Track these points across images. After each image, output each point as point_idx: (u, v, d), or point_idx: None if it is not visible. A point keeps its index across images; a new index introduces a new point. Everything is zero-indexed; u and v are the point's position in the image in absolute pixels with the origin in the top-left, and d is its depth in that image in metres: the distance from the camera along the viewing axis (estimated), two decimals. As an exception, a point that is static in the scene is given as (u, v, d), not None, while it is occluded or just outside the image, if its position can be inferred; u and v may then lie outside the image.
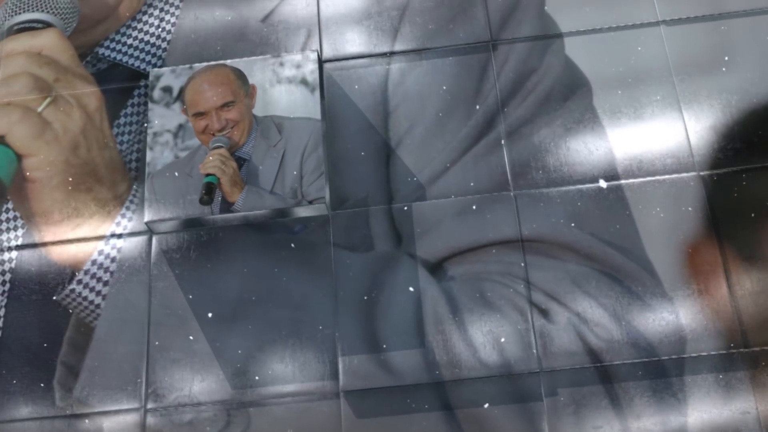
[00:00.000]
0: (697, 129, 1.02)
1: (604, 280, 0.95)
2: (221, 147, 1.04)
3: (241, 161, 1.03)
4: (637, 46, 1.07)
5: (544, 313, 0.94)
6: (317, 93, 1.05)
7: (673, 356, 0.91)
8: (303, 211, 1.00)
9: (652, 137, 1.02)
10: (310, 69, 1.07)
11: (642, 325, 0.93)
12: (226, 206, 1.00)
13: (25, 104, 1.10)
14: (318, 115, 1.04)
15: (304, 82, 1.07)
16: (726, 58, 1.04)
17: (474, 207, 1.00)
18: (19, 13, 1.18)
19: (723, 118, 1.02)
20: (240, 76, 1.08)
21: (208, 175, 1.02)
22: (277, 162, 1.02)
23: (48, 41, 1.13)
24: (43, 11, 1.18)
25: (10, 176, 1.09)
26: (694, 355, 0.91)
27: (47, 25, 1.18)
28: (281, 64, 1.08)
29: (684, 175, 0.99)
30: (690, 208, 0.98)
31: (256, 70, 1.08)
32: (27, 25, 1.18)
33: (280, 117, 1.05)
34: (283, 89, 1.06)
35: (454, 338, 0.94)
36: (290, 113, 1.05)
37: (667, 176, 1.00)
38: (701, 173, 0.99)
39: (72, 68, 1.13)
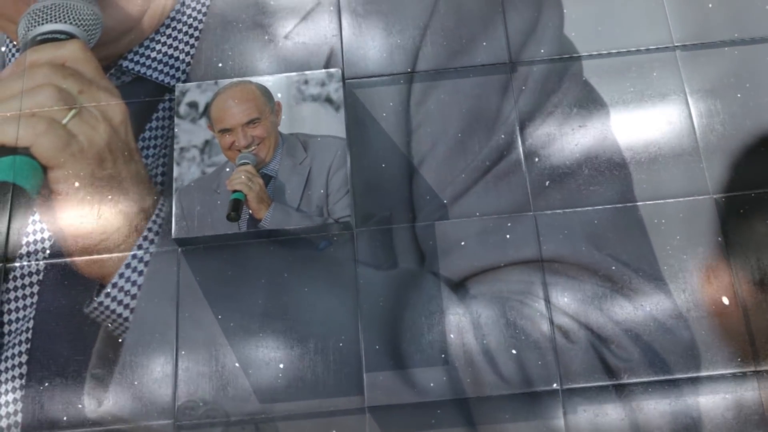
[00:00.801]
0: (710, 153, 1.05)
1: (621, 301, 0.98)
2: (248, 164, 1.06)
3: (267, 178, 1.05)
4: (652, 71, 1.10)
5: (564, 332, 0.97)
6: (342, 111, 1.07)
7: (688, 375, 0.94)
8: (328, 229, 1.03)
9: (667, 160, 1.05)
10: (335, 87, 1.09)
11: (658, 344, 0.96)
12: (254, 223, 1.03)
13: (50, 116, 1.11)
14: (343, 134, 1.06)
15: (328, 100, 1.09)
16: (740, 84, 1.07)
17: (495, 226, 1.03)
18: (42, 24, 1.19)
19: (736, 142, 1.05)
20: (265, 93, 1.10)
21: (235, 191, 1.04)
22: (303, 180, 1.04)
23: (72, 52, 1.14)
24: (66, 22, 1.18)
25: (36, 188, 1.10)
26: (708, 373, 0.94)
27: (70, 36, 1.19)
28: (306, 82, 1.10)
29: (698, 197, 1.03)
30: (704, 230, 1.01)
31: (281, 87, 1.10)
32: (50, 36, 1.19)
33: (305, 135, 1.07)
34: (308, 107, 1.08)
35: (476, 356, 0.97)
36: (315, 131, 1.07)
37: (681, 198, 1.03)
38: (714, 196, 1.03)
39: (96, 80, 1.14)
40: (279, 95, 1.09)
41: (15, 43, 1.21)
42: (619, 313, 0.98)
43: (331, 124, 1.07)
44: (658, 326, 0.97)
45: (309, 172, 1.05)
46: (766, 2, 1.12)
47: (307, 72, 1.10)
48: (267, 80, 1.10)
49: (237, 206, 1.03)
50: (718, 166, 1.04)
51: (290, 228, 1.01)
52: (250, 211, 1.02)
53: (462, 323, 0.98)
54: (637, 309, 0.98)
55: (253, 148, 1.06)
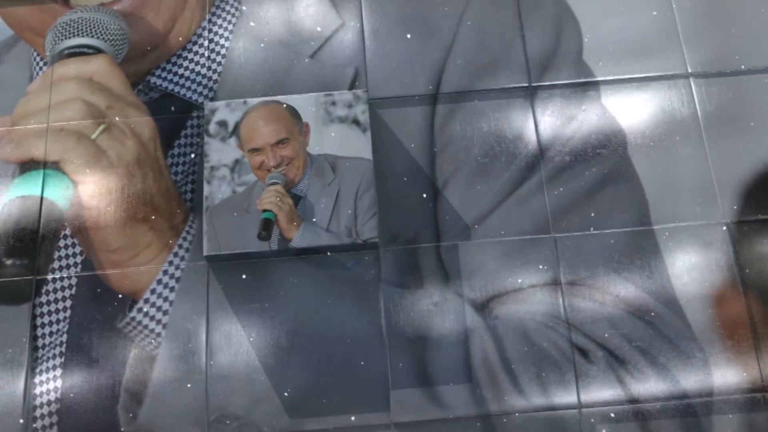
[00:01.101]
0: (723, 179, 1.09)
1: (638, 323, 1.02)
2: (277, 183, 1.08)
3: (296, 198, 1.08)
4: (667, 97, 1.14)
5: (584, 353, 1.02)
6: (368, 133, 1.10)
7: (702, 398, 0.99)
8: (356, 248, 1.06)
9: (682, 186, 1.09)
10: (361, 109, 1.12)
11: (673, 366, 1.00)
12: (284, 242, 1.06)
13: (79, 130, 1.12)
14: (369, 156, 1.09)
15: (355, 121, 1.12)
16: (754, 111, 1.11)
17: (517, 249, 1.07)
18: (69, 38, 1.20)
19: (748, 169, 1.09)
20: (294, 113, 1.12)
21: (265, 211, 1.07)
22: (332, 200, 1.07)
23: (99, 67, 1.16)
24: (93, 36, 1.20)
25: (66, 202, 1.12)
26: (721, 397, 0.99)
27: (97, 50, 1.20)
28: (333, 103, 1.13)
29: (711, 223, 1.07)
30: (716, 255, 1.06)
31: (309, 107, 1.12)
32: (77, 50, 1.20)
33: (333, 156, 1.10)
34: (336, 128, 1.11)
35: (499, 374, 1.01)
36: (343, 152, 1.10)
37: (695, 224, 1.07)
38: (726, 221, 1.07)
39: (124, 96, 1.15)
40: (307, 116, 1.12)
41: (42, 56, 1.22)
42: (635, 335, 1.02)
43: (358, 146, 1.10)
44: (672, 348, 1.02)
45: (338, 193, 1.08)
46: (777, 32, 1.17)
47: (334, 93, 1.12)
48: (295, 100, 1.13)
49: (268, 226, 1.06)
50: (729, 192, 1.09)
51: (319, 247, 1.05)
52: (281, 231, 1.06)
53: (486, 342, 1.02)
54: (653, 331, 1.02)
55: (283, 168, 1.09)
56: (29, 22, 1.23)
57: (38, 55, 1.22)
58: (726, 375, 1.00)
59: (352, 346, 1.03)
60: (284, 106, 1.12)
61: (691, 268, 1.05)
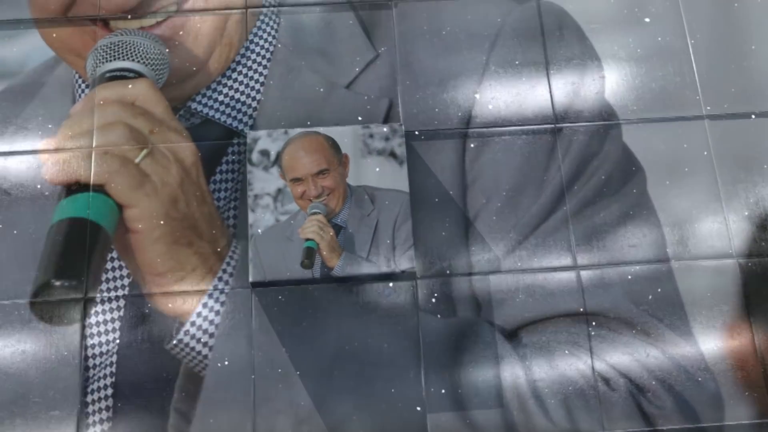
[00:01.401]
0: (735, 218, 1.17)
1: (655, 353, 1.10)
2: (319, 213, 1.14)
3: (337, 228, 1.13)
4: (683, 138, 1.21)
5: (606, 380, 1.09)
6: (405, 166, 1.16)
7: (714, 423, 1.07)
8: (394, 277, 1.11)
9: (696, 224, 1.17)
10: (398, 142, 1.17)
11: (688, 393, 1.09)
12: (326, 270, 1.11)
13: (123, 154, 1.16)
14: (406, 188, 1.15)
15: (392, 154, 1.17)
16: (766, 154, 1.19)
17: (544, 280, 1.13)
18: (110, 61, 1.23)
19: (759, 209, 1.17)
20: (333, 144, 1.17)
21: (307, 240, 1.12)
22: (371, 231, 1.13)
23: (141, 91, 1.19)
24: (134, 60, 1.23)
25: (112, 226, 1.16)
26: (732, 423, 1.07)
27: (139, 74, 1.23)
28: (371, 136, 1.18)
29: (723, 260, 1.15)
30: (728, 290, 1.14)
31: (348, 139, 1.17)
32: (119, 73, 1.23)
33: (372, 188, 1.15)
34: (374, 160, 1.16)
35: (528, 399, 1.08)
36: (381, 184, 1.15)
37: (709, 261, 1.15)
38: (739, 260, 1.15)
39: (166, 121, 1.19)
40: (345, 147, 1.17)
41: (83, 78, 1.25)
42: (653, 364, 1.10)
43: (395, 178, 1.15)
44: (688, 377, 1.10)
45: (376, 224, 1.13)
46: (785, 78, 1.25)
47: (372, 126, 1.18)
48: (334, 132, 1.18)
49: (310, 254, 1.11)
50: (741, 231, 1.17)
51: (359, 276, 1.10)
52: (323, 259, 1.11)
53: (515, 370, 1.09)
54: (670, 361, 1.10)
55: (324, 198, 1.14)
56: (70, 44, 1.26)
57: (80, 77, 1.25)
58: (737, 403, 1.08)
59: (389, 370, 1.09)
60: (324, 137, 1.17)
61: (704, 301, 1.13)
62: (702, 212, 1.18)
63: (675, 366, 1.10)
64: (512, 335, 1.11)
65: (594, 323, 1.11)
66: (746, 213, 1.18)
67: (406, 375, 1.09)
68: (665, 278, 1.14)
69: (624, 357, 1.10)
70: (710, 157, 1.21)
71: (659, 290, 1.13)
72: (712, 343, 1.11)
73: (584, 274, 1.14)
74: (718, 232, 1.17)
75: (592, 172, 1.20)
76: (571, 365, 1.10)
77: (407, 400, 1.08)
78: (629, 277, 1.14)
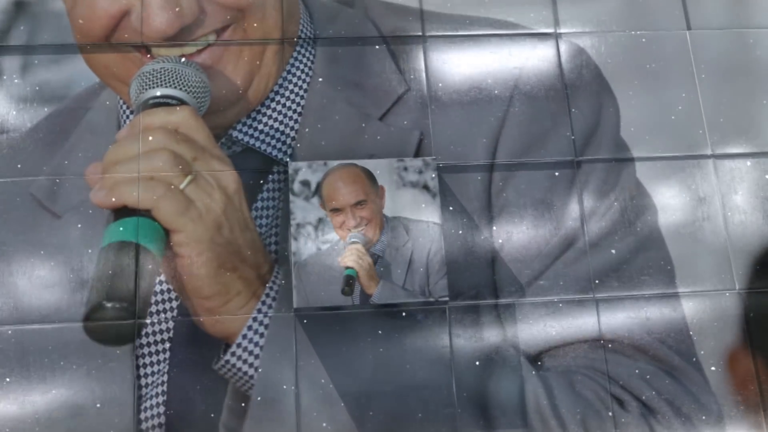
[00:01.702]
0: (739, 253, 1.27)
1: (666, 378, 1.20)
2: (357, 243, 1.21)
3: (374, 257, 1.20)
4: (691, 175, 1.31)
5: (621, 402, 1.19)
6: (437, 199, 1.23)
7: (717, 443, 1.18)
8: (427, 304, 1.19)
9: (702, 257, 1.27)
10: (431, 176, 1.25)
11: (694, 416, 1.19)
12: (365, 297, 1.18)
13: (168, 180, 1.21)
14: (438, 220, 1.22)
15: (425, 187, 1.24)
16: None
17: (565, 308, 1.22)
18: (153, 88, 1.27)
19: (761, 242, 1.28)
20: (370, 176, 1.24)
21: (347, 268, 1.19)
22: (406, 261, 1.20)
23: (184, 119, 1.23)
24: (176, 88, 1.27)
25: (159, 250, 1.22)
26: (733, 443, 1.19)
27: (181, 102, 1.27)
28: (405, 169, 1.25)
29: (726, 291, 1.25)
30: (730, 320, 1.24)
31: (383, 171, 1.24)
32: (161, 100, 1.27)
33: (407, 219, 1.23)
34: (408, 193, 1.24)
35: (550, 420, 1.17)
36: (415, 216, 1.23)
37: (713, 291, 1.25)
38: (740, 292, 1.25)
39: (209, 148, 1.24)
40: (381, 179, 1.23)
41: (127, 104, 1.30)
42: (663, 388, 1.20)
43: (428, 210, 1.23)
44: (694, 400, 1.20)
45: (411, 254, 1.21)
46: (784, 119, 1.35)
47: (406, 159, 1.25)
48: (370, 164, 1.24)
49: (350, 282, 1.19)
50: (743, 264, 1.27)
51: (397, 303, 1.18)
52: (362, 287, 1.18)
53: (538, 392, 1.18)
54: (678, 385, 1.20)
55: (362, 228, 1.21)
56: (114, 70, 1.30)
57: (124, 102, 1.30)
58: (738, 425, 1.19)
59: (424, 392, 1.18)
60: (361, 169, 1.24)
61: (709, 330, 1.23)
62: (708, 246, 1.28)
63: (682, 390, 1.20)
64: (535, 359, 1.20)
65: (610, 349, 1.21)
66: (749, 248, 1.28)
67: (439, 395, 1.18)
68: (674, 308, 1.24)
69: (637, 381, 1.20)
70: (716, 194, 1.30)
71: (669, 319, 1.23)
72: (715, 369, 1.22)
73: (601, 302, 1.23)
74: (721, 264, 1.27)
75: (608, 205, 1.29)
76: (589, 387, 1.19)
77: (440, 419, 1.16)
78: (642, 306, 1.24)
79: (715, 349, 1.23)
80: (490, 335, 1.21)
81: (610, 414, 1.19)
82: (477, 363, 1.20)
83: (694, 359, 1.22)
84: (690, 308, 1.24)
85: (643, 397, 1.20)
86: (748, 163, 1.32)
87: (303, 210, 1.23)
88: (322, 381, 1.17)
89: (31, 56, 1.30)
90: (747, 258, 1.28)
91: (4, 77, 1.28)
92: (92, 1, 1.30)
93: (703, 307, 1.25)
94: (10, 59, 1.29)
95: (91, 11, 1.31)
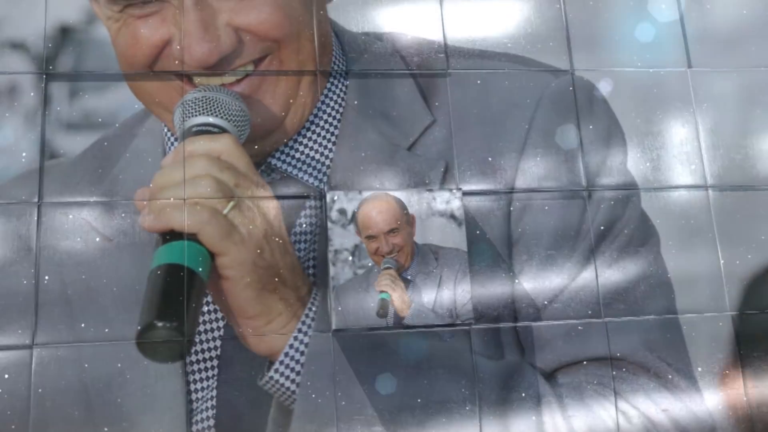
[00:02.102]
0: (731, 279, 1.40)
1: (666, 393, 1.33)
2: (391, 268, 1.30)
3: (406, 281, 1.30)
4: (689, 207, 1.43)
5: (626, 415, 1.32)
6: (463, 228, 1.33)
7: (710, 452, 1.32)
8: (454, 326, 1.30)
9: (698, 282, 1.39)
10: (457, 206, 1.35)
11: (690, 427, 1.32)
12: (398, 319, 1.28)
13: (212, 206, 1.29)
14: (465, 247, 1.33)
15: (452, 216, 1.34)
16: (765, 225, 1.42)
17: (576, 328, 1.34)
18: (196, 116, 1.34)
19: (752, 272, 1.40)
20: (401, 205, 1.33)
21: (382, 292, 1.29)
22: (435, 286, 1.30)
23: (226, 146, 1.31)
24: (217, 116, 1.34)
25: (206, 272, 1.30)
26: (724, 452, 1.33)
27: (222, 130, 1.34)
28: (434, 199, 1.35)
29: (721, 314, 1.38)
30: (723, 341, 1.37)
31: (413, 201, 1.34)
32: (204, 128, 1.34)
33: (435, 246, 1.33)
34: (437, 221, 1.33)
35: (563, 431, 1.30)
36: (443, 243, 1.33)
37: (709, 314, 1.38)
38: (732, 314, 1.38)
39: (249, 175, 1.32)
40: (411, 208, 1.33)
41: (171, 131, 1.36)
42: (664, 403, 1.33)
43: (454, 238, 1.33)
44: (690, 414, 1.33)
45: (440, 279, 1.31)
46: (775, 154, 1.47)
47: (434, 190, 1.34)
48: (401, 194, 1.34)
49: (385, 305, 1.29)
50: (734, 289, 1.40)
51: (426, 324, 1.28)
52: (395, 310, 1.28)
53: (553, 406, 1.31)
54: (677, 400, 1.33)
55: (395, 254, 1.31)
56: (157, 97, 1.36)
57: (168, 129, 1.37)
58: (728, 436, 1.34)
59: (449, 404, 1.29)
60: (394, 198, 1.33)
61: (704, 349, 1.37)
62: (704, 272, 1.41)
63: (680, 404, 1.34)
64: (550, 376, 1.32)
65: (617, 367, 1.34)
66: (742, 274, 1.41)
67: (463, 409, 1.29)
68: (674, 329, 1.37)
69: (640, 396, 1.33)
70: (711, 223, 1.43)
71: (669, 339, 1.36)
72: (709, 384, 1.35)
73: (610, 324, 1.35)
74: (716, 288, 1.40)
75: (616, 234, 1.40)
76: (598, 403, 1.32)
77: (464, 429, 1.28)
78: (645, 327, 1.36)
79: (709, 367, 1.36)
80: (510, 353, 1.33)
81: (617, 426, 1.31)
82: (497, 379, 1.31)
83: (691, 376, 1.35)
84: (688, 329, 1.37)
85: (646, 411, 1.33)
86: (743, 195, 1.45)
87: (340, 237, 1.32)
88: (358, 396, 1.27)
89: (79, 83, 1.36)
90: (739, 283, 1.41)
91: (54, 103, 1.34)
92: (135, 30, 1.37)
93: (700, 328, 1.38)
94: (59, 86, 1.35)
95: (134, 40, 1.37)
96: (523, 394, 1.31)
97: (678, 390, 1.34)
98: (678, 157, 1.46)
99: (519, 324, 1.34)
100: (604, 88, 1.47)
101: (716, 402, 1.35)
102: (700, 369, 1.36)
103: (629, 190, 1.43)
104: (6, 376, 1.23)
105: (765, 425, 1.34)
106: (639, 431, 1.32)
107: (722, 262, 1.41)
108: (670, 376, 1.35)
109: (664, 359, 1.36)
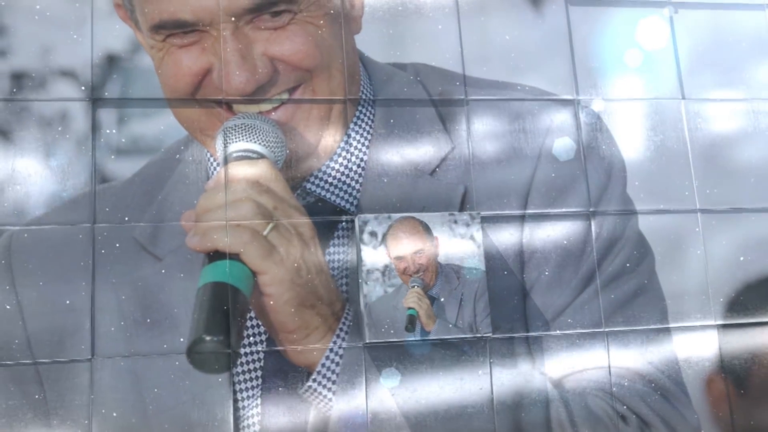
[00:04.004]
0: (716, 295, 1.55)
1: (658, 398, 1.49)
2: (417, 286, 1.43)
3: (431, 299, 1.43)
4: (682, 229, 1.58)
5: (623, 417, 1.48)
6: (482, 249, 1.46)
7: (696, 450, 1.50)
8: (474, 339, 1.44)
9: (688, 296, 1.55)
10: (476, 228, 1.47)
11: (679, 427, 1.49)
12: (424, 333, 1.41)
13: (253, 227, 1.39)
14: (483, 267, 1.46)
15: (472, 238, 1.47)
16: (757, 247, 1.57)
17: (581, 340, 1.49)
18: (236, 142, 1.44)
19: (738, 283, 1.56)
20: (426, 228, 1.45)
21: (409, 308, 1.42)
22: (457, 302, 1.43)
23: (264, 171, 1.42)
24: (256, 142, 1.45)
25: (249, 290, 1.41)
26: (708, 450, 1.50)
27: (261, 155, 1.45)
28: (455, 222, 1.47)
29: (707, 328, 1.54)
30: (708, 351, 1.53)
31: (437, 224, 1.46)
32: (244, 153, 1.45)
33: (457, 266, 1.45)
34: (458, 243, 1.46)
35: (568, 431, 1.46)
36: (464, 263, 1.45)
37: (696, 327, 1.53)
38: (717, 327, 1.54)
39: (286, 198, 1.42)
40: (435, 231, 1.45)
41: (213, 156, 1.45)
42: (656, 406, 1.49)
43: (474, 259, 1.46)
44: (678, 415, 1.50)
45: (461, 296, 1.44)
46: None
47: (456, 213, 1.47)
48: (425, 217, 1.46)
49: (412, 320, 1.41)
50: (720, 305, 1.56)
51: (450, 338, 1.42)
52: (421, 325, 1.41)
53: (560, 410, 1.46)
54: (668, 403, 1.50)
55: (421, 273, 1.43)
56: (199, 124, 1.46)
57: (210, 154, 1.46)
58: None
59: (469, 408, 1.43)
60: (419, 221, 1.45)
61: (692, 358, 1.53)
62: (693, 288, 1.56)
63: (671, 407, 1.50)
64: (558, 383, 1.47)
65: (616, 374, 1.49)
66: (725, 291, 1.57)
67: (481, 413, 1.43)
68: (666, 339, 1.53)
69: (635, 399, 1.49)
70: (702, 246, 1.58)
71: (661, 349, 1.52)
72: (697, 389, 1.52)
73: (610, 335, 1.50)
74: (704, 305, 1.56)
75: (616, 253, 1.55)
76: (599, 407, 1.48)
77: (482, 431, 1.43)
78: (641, 338, 1.52)
79: (697, 374, 1.53)
80: (522, 363, 1.47)
81: (615, 427, 1.47)
82: (511, 385, 1.46)
83: (680, 382, 1.52)
84: (678, 339, 1.53)
85: (641, 413, 1.49)
86: (730, 217, 1.60)
87: (372, 257, 1.44)
88: (388, 402, 1.40)
89: (126, 110, 1.45)
90: (723, 299, 1.57)
91: (103, 130, 1.43)
92: (177, 59, 1.46)
93: (688, 338, 1.54)
94: (107, 113, 1.43)
95: (177, 68, 1.46)
96: (534, 399, 1.46)
97: (669, 394, 1.51)
98: (669, 182, 1.61)
99: (530, 335, 1.49)
100: (597, 107, 1.61)
101: (702, 404, 1.51)
102: (688, 375, 1.52)
103: (628, 213, 1.58)
104: (68, 387, 1.33)
105: (744, 424, 1.52)
106: (634, 431, 1.49)
107: (707, 279, 1.57)
108: (662, 383, 1.51)
109: (657, 367, 1.52)
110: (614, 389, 1.50)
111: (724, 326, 1.56)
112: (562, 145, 1.58)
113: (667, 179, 1.61)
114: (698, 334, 1.55)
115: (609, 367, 1.50)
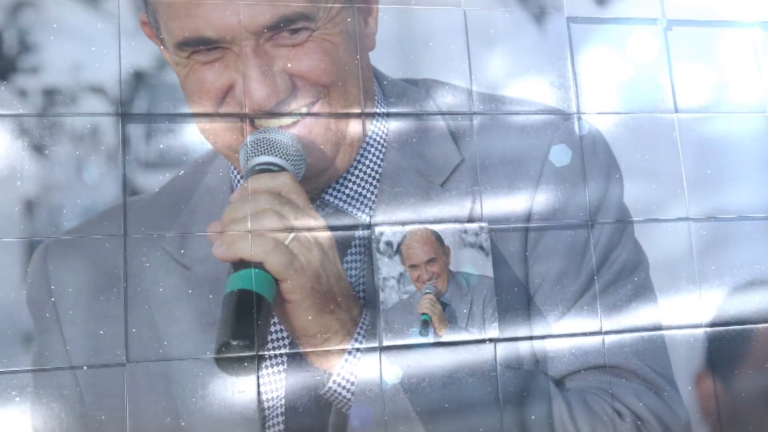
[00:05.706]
0: (706, 299, 1.66)
1: (651, 395, 1.60)
2: (430, 293, 1.52)
3: (444, 305, 1.52)
4: (673, 237, 1.68)
5: (620, 414, 1.58)
6: (490, 257, 1.55)
7: (686, 443, 1.61)
8: (483, 341, 1.53)
9: (680, 302, 1.65)
10: (484, 238, 1.56)
11: (671, 423, 1.60)
12: (437, 337, 1.50)
13: (275, 237, 1.47)
14: (491, 274, 1.55)
15: (481, 247, 1.56)
16: (746, 258, 1.68)
17: (581, 342, 1.59)
18: (258, 155, 1.52)
19: (729, 292, 1.67)
20: (438, 238, 1.54)
21: (423, 314, 1.51)
22: (467, 308, 1.53)
23: (285, 184, 1.50)
24: (276, 156, 1.52)
25: (272, 297, 1.49)
26: (697, 443, 1.61)
27: (281, 168, 1.53)
28: (465, 232, 1.56)
29: (696, 329, 1.64)
30: (697, 352, 1.64)
31: (448, 234, 1.55)
32: (265, 166, 1.53)
33: (467, 273, 1.54)
34: (468, 252, 1.55)
35: (570, 428, 1.56)
36: (473, 271, 1.54)
37: (687, 329, 1.64)
38: (706, 329, 1.65)
39: (306, 209, 1.51)
40: (446, 240, 1.54)
41: (237, 169, 1.52)
42: (650, 403, 1.60)
43: (483, 267, 1.55)
44: (670, 410, 1.61)
45: (471, 302, 1.53)
46: None
47: (465, 224, 1.55)
48: (438, 227, 1.54)
49: (426, 325, 1.50)
50: (709, 308, 1.66)
51: (461, 341, 1.51)
52: (434, 329, 1.50)
53: (561, 408, 1.56)
54: (661, 400, 1.60)
55: (433, 281, 1.52)
56: (224, 138, 1.53)
57: (234, 168, 1.53)
58: (701, 428, 1.61)
59: (477, 407, 1.52)
60: (432, 232, 1.54)
61: (683, 358, 1.64)
62: (684, 293, 1.67)
63: (663, 404, 1.61)
64: (559, 382, 1.58)
65: (612, 374, 1.60)
66: (715, 295, 1.68)
67: (488, 411, 1.53)
68: (659, 341, 1.64)
69: (631, 398, 1.60)
70: (691, 252, 1.68)
71: (655, 350, 1.63)
72: (687, 387, 1.63)
73: (607, 337, 1.61)
74: (694, 308, 1.66)
75: (613, 259, 1.65)
76: (598, 404, 1.58)
77: (490, 427, 1.52)
78: (636, 339, 1.62)
79: (687, 373, 1.64)
80: (527, 363, 1.57)
81: (612, 423, 1.58)
82: (517, 385, 1.56)
83: (672, 380, 1.63)
84: (671, 341, 1.64)
85: (636, 410, 1.60)
86: (720, 225, 1.71)
87: (387, 266, 1.52)
88: (403, 401, 1.50)
89: (153, 125, 1.51)
90: (713, 303, 1.68)
91: (132, 144, 1.49)
92: (202, 75, 1.53)
93: (680, 340, 1.65)
94: (135, 128, 1.50)
95: (201, 84, 1.53)
96: (537, 398, 1.56)
97: (661, 391, 1.62)
98: (663, 192, 1.71)
99: (534, 338, 1.59)
100: (596, 120, 1.70)
101: (691, 400, 1.63)
102: (679, 374, 1.63)
103: (625, 222, 1.67)
104: (104, 390, 1.41)
105: (730, 419, 1.63)
106: (630, 428, 1.60)
107: (700, 285, 1.68)
108: (655, 381, 1.62)
109: (651, 366, 1.62)
110: (612, 388, 1.60)
111: (713, 327, 1.68)
112: (559, 151, 1.67)
113: (657, 188, 1.71)
114: (689, 335, 1.66)
115: (607, 366, 1.61)
